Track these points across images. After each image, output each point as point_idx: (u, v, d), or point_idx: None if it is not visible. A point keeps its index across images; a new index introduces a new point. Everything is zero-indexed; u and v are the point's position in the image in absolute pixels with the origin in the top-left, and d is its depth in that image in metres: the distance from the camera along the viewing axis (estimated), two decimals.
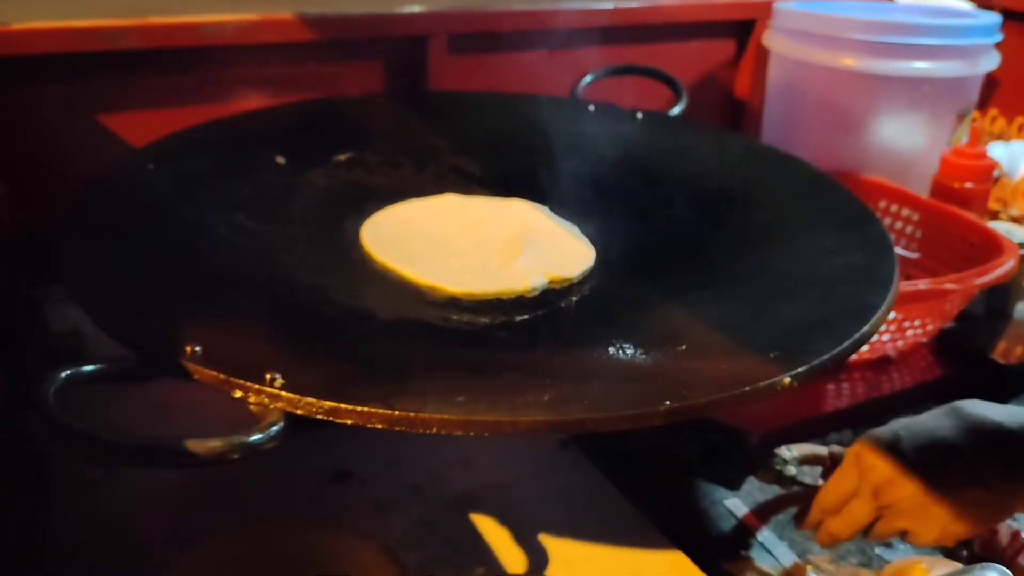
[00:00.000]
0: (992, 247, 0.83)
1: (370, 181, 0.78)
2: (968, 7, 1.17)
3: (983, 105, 1.36)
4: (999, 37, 0.99)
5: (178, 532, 0.55)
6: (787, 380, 0.46)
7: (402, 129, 0.86)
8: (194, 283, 0.55)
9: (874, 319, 0.52)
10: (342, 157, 0.80)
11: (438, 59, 0.94)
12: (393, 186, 0.77)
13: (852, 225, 0.68)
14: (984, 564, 0.40)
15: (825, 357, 0.48)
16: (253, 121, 0.82)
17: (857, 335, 0.50)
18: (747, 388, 0.45)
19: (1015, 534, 0.61)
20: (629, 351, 0.53)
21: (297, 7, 0.89)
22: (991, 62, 0.99)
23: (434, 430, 0.42)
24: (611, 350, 0.53)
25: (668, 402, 0.44)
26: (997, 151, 1.14)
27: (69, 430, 0.37)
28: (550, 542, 0.60)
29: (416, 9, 0.93)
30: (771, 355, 0.49)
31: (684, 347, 0.53)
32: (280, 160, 0.77)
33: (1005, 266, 0.78)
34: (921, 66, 0.96)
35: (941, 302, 0.78)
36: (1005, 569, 0.40)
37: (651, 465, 0.68)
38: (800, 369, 0.47)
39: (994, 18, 1.00)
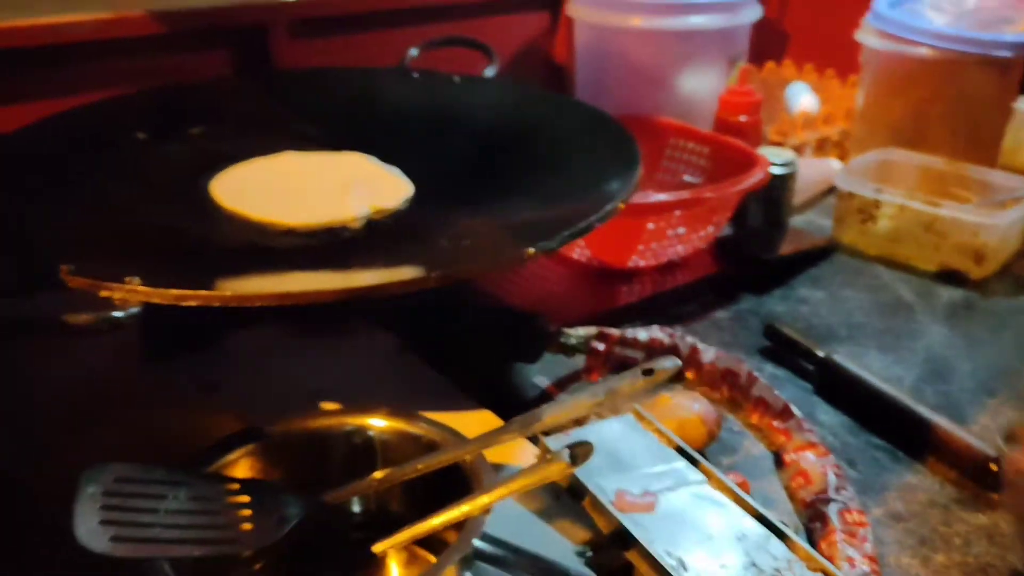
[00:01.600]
0: (753, 165, 1.01)
1: (221, 148, 0.90)
2: None
3: (780, 56, 1.56)
4: None
5: (64, 422, 0.67)
6: (531, 251, 0.62)
7: (249, 104, 0.98)
8: (69, 226, 0.67)
9: (605, 210, 0.68)
10: (196, 130, 0.92)
11: (280, 44, 1.07)
12: (242, 151, 0.90)
13: (614, 149, 0.84)
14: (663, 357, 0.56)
15: (562, 234, 0.64)
16: (114, 106, 0.93)
17: (591, 219, 0.66)
18: (499, 257, 0.61)
19: (693, 347, 0.78)
20: (424, 248, 0.68)
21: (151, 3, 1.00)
22: (753, 14, 1.18)
23: (258, 303, 0.56)
24: (410, 248, 0.68)
25: (439, 271, 0.59)
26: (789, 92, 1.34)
27: None
28: None
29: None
30: (527, 238, 0.64)
31: (468, 242, 0.68)
32: (141, 136, 0.89)
33: (755, 177, 0.96)
34: (695, 20, 1.14)
35: (707, 210, 0.95)
36: (676, 359, 0.56)
37: (473, 357, 0.83)
38: (541, 244, 0.62)
39: None
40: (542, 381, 0.82)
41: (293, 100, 0.99)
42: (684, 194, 0.92)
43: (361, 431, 0.56)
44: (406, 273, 0.59)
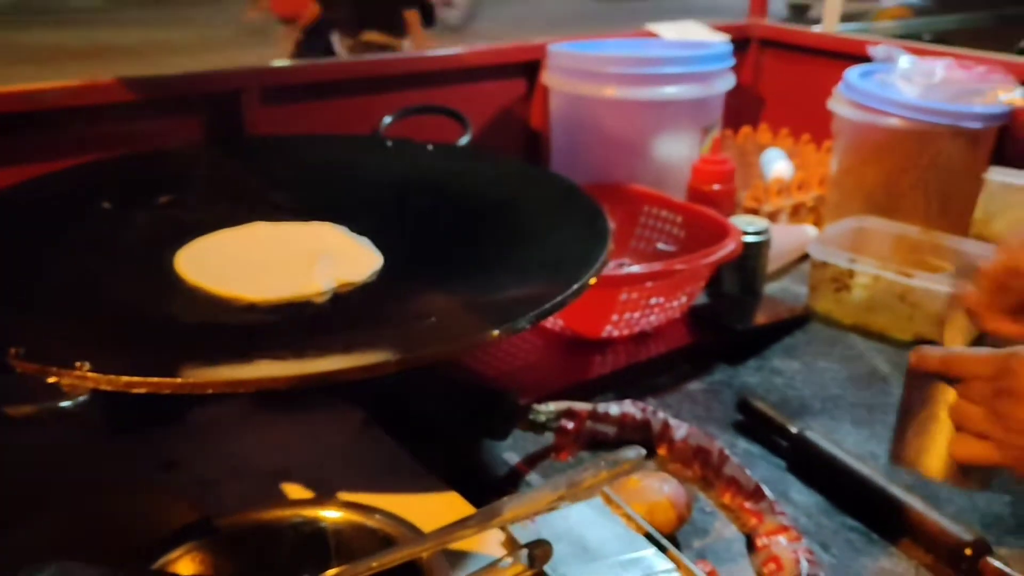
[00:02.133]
0: (726, 235, 1.01)
1: (189, 218, 0.89)
2: (720, 38, 1.37)
3: (755, 121, 1.57)
4: (731, 62, 1.19)
5: (12, 506, 0.65)
6: (495, 332, 0.60)
7: (219, 172, 0.98)
8: (21, 303, 0.66)
9: (572, 288, 0.67)
10: (164, 199, 0.91)
11: (252, 110, 1.07)
12: (210, 220, 0.89)
13: (586, 223, 0.83)
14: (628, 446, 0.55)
15: (529, 315, 0.63)
16: (79, 173, 0.92)
17: (557, 300, 0.65)
18: (464, 339, 0.59)
19: (665, 423, 0.77)
20: (388, 328, 0.66)
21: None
22: (726, 83, 1.18)
23: (209, 391, 0.54)
24: (374, 330, 0.66)
25: (399, 355, 0.57)
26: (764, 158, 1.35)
27: None
28: (346, 497, 0.72)
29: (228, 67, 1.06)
30: (492, 318, 0.63)
31: (433, 319, 0.67)
32: (106, 205, 0.88)
33: (727, 247, 0.96)
34: (668, 91, 1.14)
35: (680, 280, 0.95)
36: (641, 448, 0.55)
37: (440, 433, 0.81)
38: (505, 325, 0.61)
39: (726, 47, 1.20)
40: (511, 458, 0.80)
41: (264, 167, 0.99)
42: (656, 266, 0.92)
43: (314, 523, 0.55)
44: (365, 358, 0.57)
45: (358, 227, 0.88)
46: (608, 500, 0.67)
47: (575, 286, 0.68)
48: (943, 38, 1.32)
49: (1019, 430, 0.54)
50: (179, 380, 0.54)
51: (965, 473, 0.60)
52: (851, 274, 1.06)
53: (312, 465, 0.76)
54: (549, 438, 0.80)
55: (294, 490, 0.73)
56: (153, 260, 0.80)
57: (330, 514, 0.55)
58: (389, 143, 1.05)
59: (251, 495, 0.72)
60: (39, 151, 0.95)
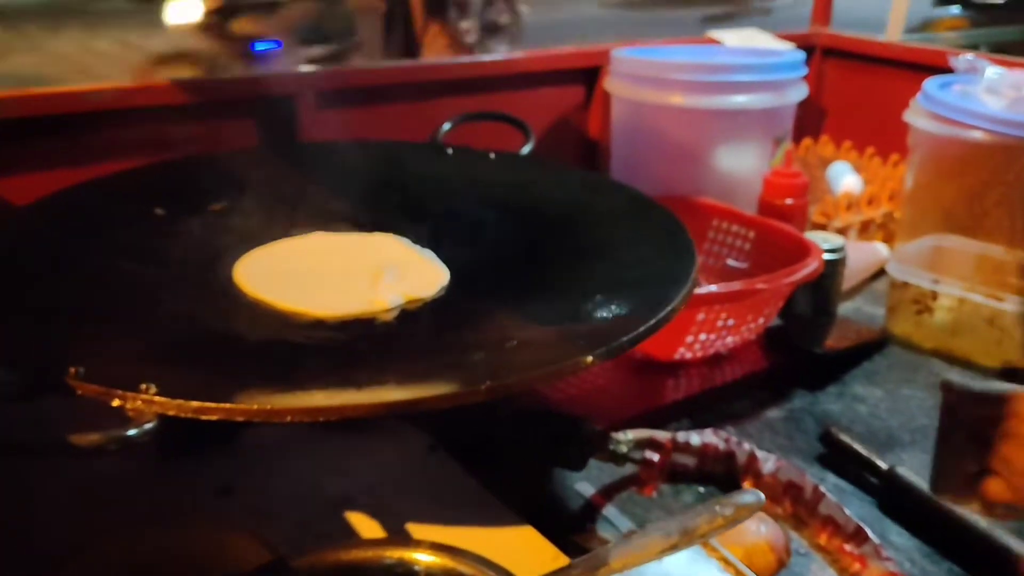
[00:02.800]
0: (804, 252, 0.96)
1: (245, 226, 0.85)
2: (786, 47, 1.32)
3: (816, 133, 1.52)
4: (804, 71, 1.13)
5: (69, 539, 0.60)
6: (589, 359, 0.55)
7: (274, 178, 0.93)
8: (78, 317, 0.62)
9: (667, 310, 0.62)
10: (218, 206, 0.87)
11: (307, 115, 1.03)
12: (266, 229, 0.84)
13: (667, 239, 0.78)
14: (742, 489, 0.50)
15: (622, 340, 0.58)
16: (133, 178, 0.88)
17: (651, 322, 0.60)
18: (553, 367, 0.54)
19: (751, 455, 0.72)
20: (467, 351, 0.62)
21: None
22: (799, 93, 1.13)
23: (288, 419, 0.49)
24: (452, 352, 0.62)
25: (488, 382, 0.53)
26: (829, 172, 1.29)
27: None
28: (415, 529, 0.67)
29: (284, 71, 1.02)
30: (581, 343, 0.58)
31: (514, 343, 0.62)
32: (159, 212, 0.84)
33: (809, 267, 0.90)
34: (739, 100, 1.09)
35: (758, 301, 0.89)
36: (760, 493, 0.50)
37: (510, 460, 0.76)
38: (599, 350, 0.56)
39: (799, 55, 1.14)
40: (586, 489, 0.75)
41: (320, 174, 0.94)
42: (736, 285, 0.86)
43: (401, 567, 0.50)
44: (451, 385, 0.52)
45: (420, 239, 0.84)
46: (703, 542, 0.61)
47: (670, 306, 0.63)
48: (1002, 49, 1.26)
49: (1019, 473, 0.55)
50: (255, 407, 0.49)
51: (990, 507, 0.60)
52: (934, 296, 1.00)
53: (376, 492, 0.71)
54: (626, 469, 0.75)
55: (359, 520, 0.68)
56: (210, 271, 0.76)
57: (420, 556, 0.50)
58: (449, 150, 1.00)
59: (313, 525, 0.67)
60: (90, 154, 0.91)
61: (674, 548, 0.47)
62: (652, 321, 0.60)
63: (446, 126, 1.04)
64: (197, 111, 0.98)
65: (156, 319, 0.65)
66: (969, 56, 1.13)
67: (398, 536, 0.62)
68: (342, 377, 0.56)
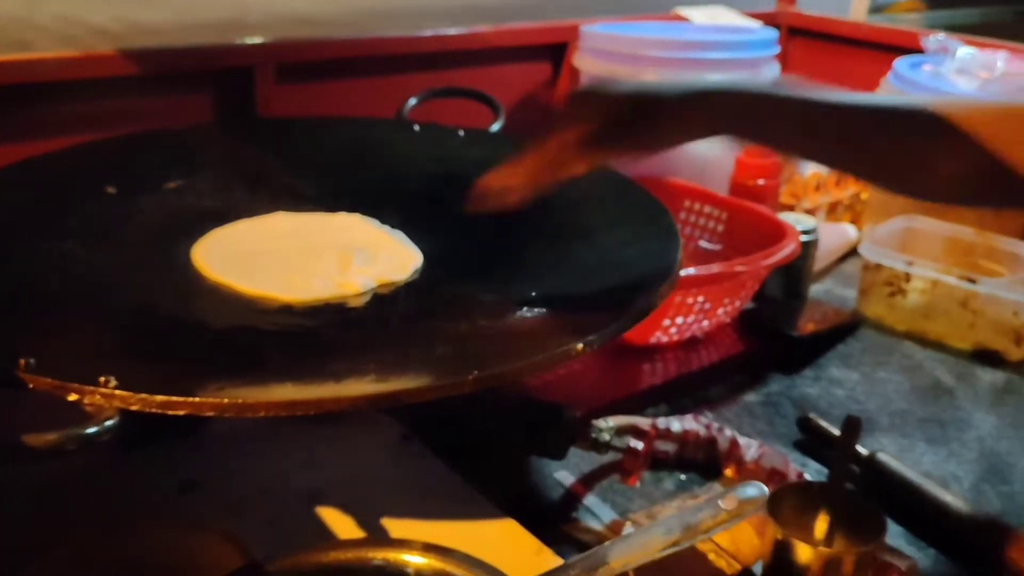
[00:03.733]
0: (780, 234, 0.94)
1: (202, 205, 0.81)
2: (754, 24, 1.30)
3: None
4: (776, 50, 1.11)
5: (31, 539, 0.56)
6: (580, 347, 0.53)
7: (232, 155, 0.89)
8: (26, 305, 0.57)
9: (654, 294, 0.59)
10: (173, 184, 0.82)
11: (265, 89, 0.98)
12: (225, 209, 0.80)
13: (648, 220, 0.76)
14: (746, 482, 0.48)
15: (612, 327, 0.55)
16: (81, 154, 0.83)
17: (639, 307, 0.58)
18: (542, 355, 0.52)
19: (733, 441, 0.71)
20: (446, 339, 0.58)
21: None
22: (772, 71, 1.11)
23: (261, 414, 0.46)
24: (429, 339, 0.58)
25: (476, 372, 0.50)
26: None
27: None
28: (392, 525, 0.64)
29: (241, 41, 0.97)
30: (570, 329, 0.56)
31: (497, 330, 0.59)
32: (111, 190, 0.79)
33: (787, 249, 0.89)
34: (711, 78, 1.06)
35: (735, 284, 0.87)
36: (763, 486, 0.48)
37: (487, 449, 0.74)
38: (590, 338, 0.53)
39: (771, 33, 1.12)
40: (565, 478, 0.73)
41: (281, 151, 0.90)
42: (715, 267, 0.84)
43: (386, 568, 0.47)
44: (434, 376, 0.49)
45: (389, 220, 0.80)
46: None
47: (657, 290, 0.60)
48: (960, 30, 1.26)
49: None
50: (226, 400, 0.45)
51: None
52: (907, 278, 0.99)
53: (349, 485, 0.68)
54: (606, 456, 0.73)
55: (332, 516, 0.65)
56: (168, 253, 0.71)
57: (409, 558, 0.47)
58: (416, 127, 0.97)
59: (284, 521, 0.64)
60: (35, 128, 0.86)
61: (675, 545, 0.45)
62: (642, 306, 0.58)
63: (412, 101, 1.00)
64: (147, 83, 0.93)
65: (112, 306, 0.61)
66: (940, 36, 1.12)
67: (380, 535, 0.59)
68: (316, 368, 0.53)
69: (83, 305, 0.60)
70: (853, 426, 0.60)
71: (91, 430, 0.43)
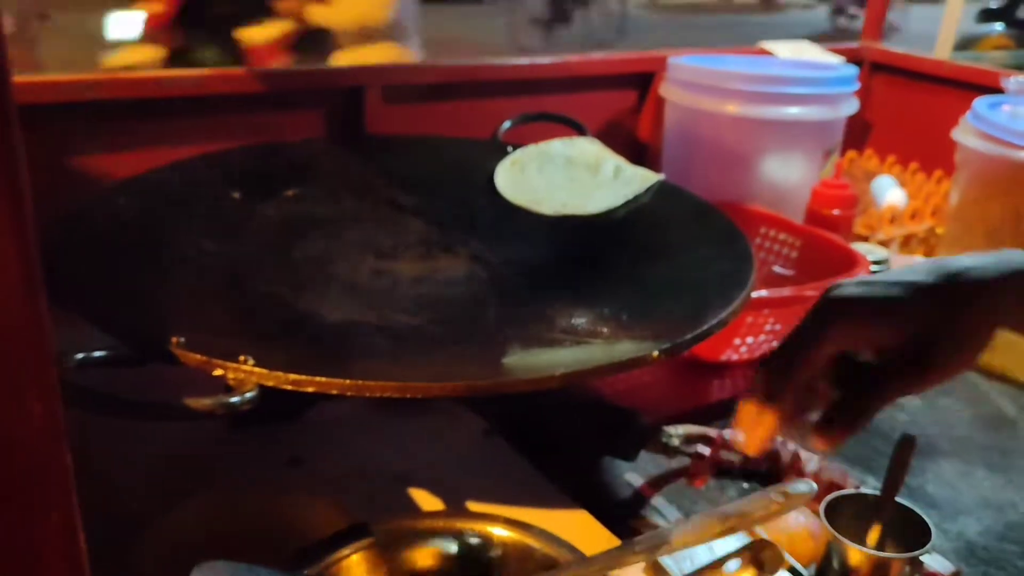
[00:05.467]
0: (851, 262, 0.98)
1: (316, 212, 0.89)
2: (836, 60, 1.34)
3: (861, 146, 1.54)
4: (856, 86, 1.16)
5: (157, 502, 0.64)
6: (655, 353, 0.59)
7: (342, 168, 0.97)
8: (173, 292, 0.66)
9: (728, 310, 0.65)
10: (290, 192, 0.91)
11: (374, 108, 1.06)
12: (336, 216, 0.88)
13: (725, 244, 0.81)
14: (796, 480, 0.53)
15: (686, 338, 0.61)
16: (210, 162, 0.92)
17: (711, 323, 0.63)
18: (623, 359, 0.58)
19: (795, 454, 0.75)
20: (536, 343, 0.65)
21: None
22: (851, 107, 1.15)
23: (377, 394, 0.53)
24: (523, 343, 0.65)
25: (562, 370, 0.56)
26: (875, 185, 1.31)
27: (93, 393, 0.47)
28: (475, 506, 0.70)
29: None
30: (647, 337, 0.62)
31: (583, 336, 0.66)
32: (236, 195, 0.88)
33: (857, 277, 0.93)
34: (792, 111, 1.12)
35: (805, 307, 0.92)
36: (812, 483, 0.53)
37: (562, 448, 0.80)
38: (664, 346, 0.59)
39: (852, 70, 1.16)
40: (635, 479, 0.78)
41: (386, 166, 0.98)
42: (786, 291, 0.89)
43: (477, 539, 0.53)
44: (528, 371, 0.56)
45: (481, 232, 0.87)
46: (750, 530, 0.64)
47: (730, 308, 0.66)
48: None
49: None
50: (347, 381, 0.53)
51: None
52: None
53: (436, 471, 0.75)
54: (674, 462, 0.78)
55: (421, 496, 0.72)
56: (286, 252, 0.80)
57: (496, 531, 0.53)
58: (509, 149, 1.04)
59: (378, 497, 0.71)
60: (172, 136, 0.95)
61: (731, 531, 0.50)
62: (714, 321, 0.64)
63: (506, 124, 1.08)
64: (269, 100, 1.02)
65: (243, 296, 0.69)
66: (1021, 78, 1.14)
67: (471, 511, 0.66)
68: (420, 358, 0.60)
69: (218, 294, 0.69)
70: (908, 443, 0.64)
71: (235, 399, 0.51)
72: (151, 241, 0.74)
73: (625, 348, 0.60)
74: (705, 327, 0.63)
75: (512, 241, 0.85)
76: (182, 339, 0.56)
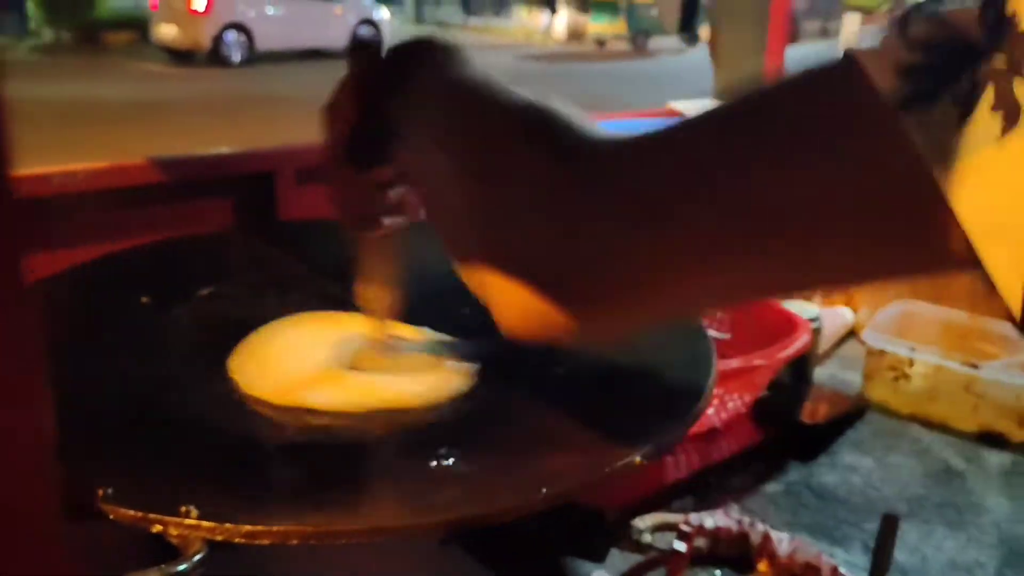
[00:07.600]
0: (787, 324, 0.97)
1: (235, 312, 0.82)
2: None
3: None
4: None
5: None
6: (638, 459, 0.55)
7: (259, 260, 0.91)
8: (88, 429, 0.58)
9: (703, 398, 0.62)
10: (204, 292, 0.84)
11: (285, 192, 1.00)
12: (260, 316, 0.81)
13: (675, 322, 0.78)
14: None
15: (667, 436, 0.57)
16: (113, 264, 0.84)
17: (692, 411, 0.60)
18: (607, 469, 0.53)
19: (766, 535, 0.72)
20: (510, 453, 0.60)
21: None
22: None
23: (343, 540, 0.47)
24: (496, 454, 0.60)
25: (545, 489, 0.51)
26: None
27: None
28: None
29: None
30: (621, 439, 0.57)
31: (547, 444, 0.61)
32: (144, 300, 0.80)
33: (801, 340, 0.92)
34: None
35: (753, 376, 0.90)
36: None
37: (525, 552, 0.75)
38: (647, 448, 0.55)
39: None
40: None
41: (308, 254, 0.92)
42: (734, 362, 0.87)
43: None
44: (511, 496, 0.51)
45: (424, 324, 0.82)
46: None
47: (702, 397, 0.62)
48: None
49: None
50: (309, 528, 0.47)
51: None
52: (910, 363, 1.03)
53: None
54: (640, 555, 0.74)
55: None
56: (210, 366, 0.72)
57: None
58: None
59: None
60: (69, 236, 0.87)
61: None
62: (693, 410, 0.60)
63: None
64: (173, 190, 0.95)
65: (168, 426, 0.62)
66: None
67: None
68: (388, 489, 0.54)
69: (142, 426, 0.61)
70: (891, 525, 0.62)
71: (182, 567, 0.44)
72: (59, 366, 0.65)
73: (603, 456, 0.56)
74: (685, 419, 0.59)
75: (451, 326, 0.79)
76: (109, 489, 0.49)
